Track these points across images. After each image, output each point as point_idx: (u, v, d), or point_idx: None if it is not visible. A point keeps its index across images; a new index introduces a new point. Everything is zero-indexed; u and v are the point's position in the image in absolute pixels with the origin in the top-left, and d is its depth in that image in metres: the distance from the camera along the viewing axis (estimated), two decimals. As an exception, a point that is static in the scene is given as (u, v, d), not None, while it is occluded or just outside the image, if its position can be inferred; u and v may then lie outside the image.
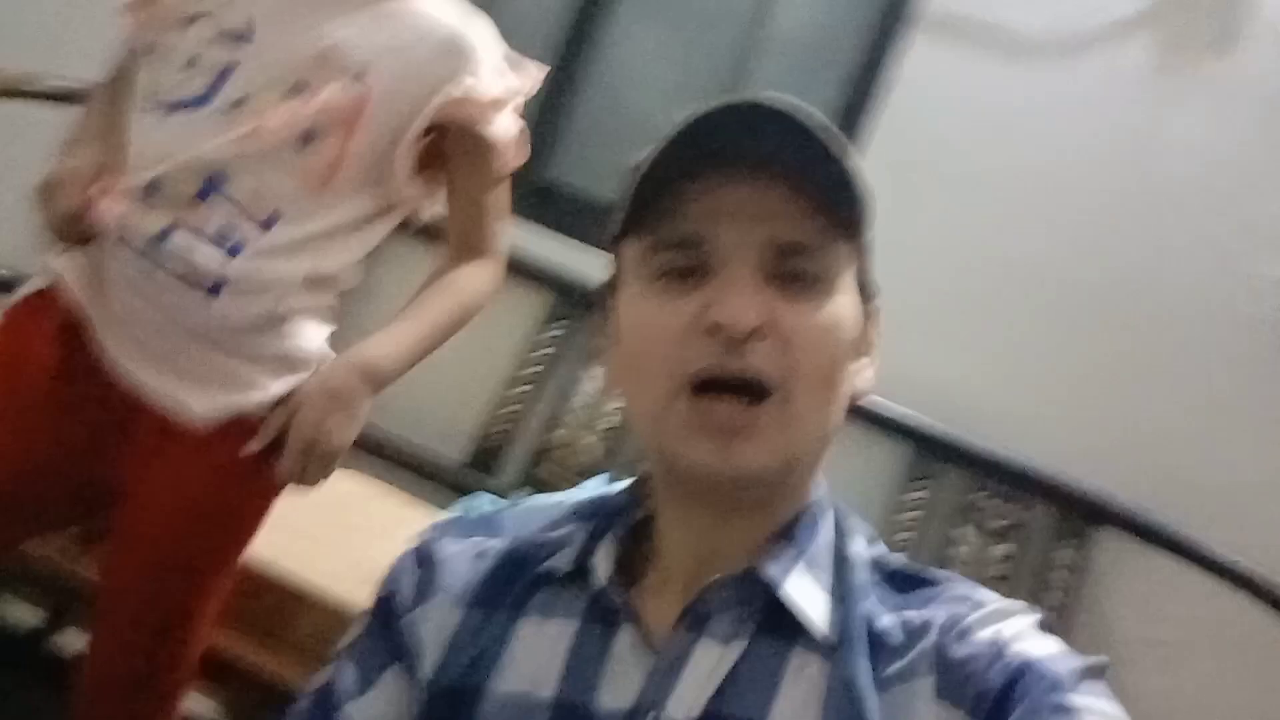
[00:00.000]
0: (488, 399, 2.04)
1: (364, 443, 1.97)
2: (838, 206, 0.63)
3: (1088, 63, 2.04)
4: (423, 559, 0.73)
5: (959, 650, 0.60)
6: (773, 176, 0.62)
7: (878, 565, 0.68)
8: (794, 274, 0.63)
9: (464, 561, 0.71)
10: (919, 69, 2.09)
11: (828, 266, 0.64)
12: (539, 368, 2.04)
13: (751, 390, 0.62)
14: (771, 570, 0.64)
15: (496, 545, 0.72)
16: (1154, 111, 2.01)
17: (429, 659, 0.68)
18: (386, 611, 0.71)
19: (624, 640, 0.65)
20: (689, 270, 0.63)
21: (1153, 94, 2.01)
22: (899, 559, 0.69)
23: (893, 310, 1.99)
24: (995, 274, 2.03)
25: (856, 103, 2.14)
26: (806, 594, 0.64)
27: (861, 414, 1.96)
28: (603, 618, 0.66)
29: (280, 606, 1.35)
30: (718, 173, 0.62)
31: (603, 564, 0.67)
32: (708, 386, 0.62)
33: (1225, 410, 1.93)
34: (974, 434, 1.95)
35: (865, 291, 0.68)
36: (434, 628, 0.69)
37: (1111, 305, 1.98)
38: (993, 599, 0.64)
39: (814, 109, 0.64)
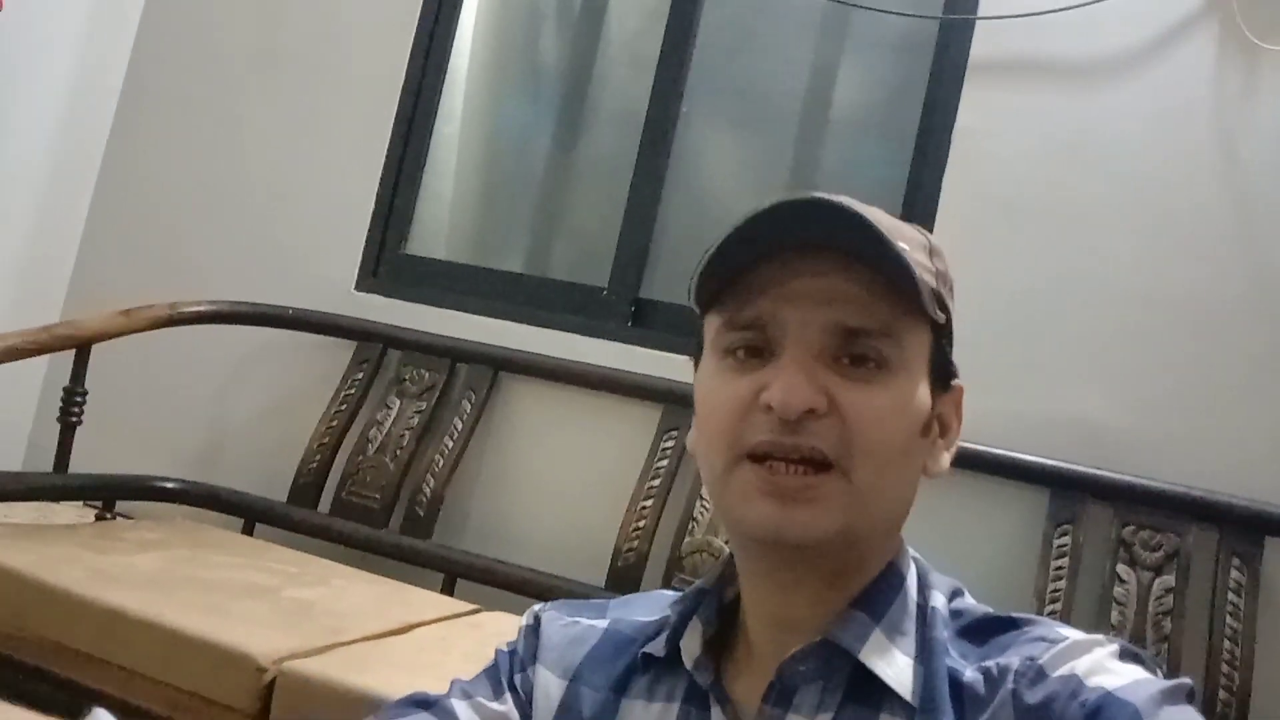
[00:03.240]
0: (618, 521, 2.09)
1: (506, 583, 2.08)
2: (900, 292, 0.65)
3: (1152, 70, 2.01)
4: (533, 630, 0.79)
5: (1035, 694, 0.60)
6: (836, 263, 0.65)
7: (957, 617, 0.68)
8: (856, 356, 0.65)
9: (565, 634, 0.77)
10: (982, 116, 2.10)
11: (892, 350, 0.65)
12: (656, 481, 2.09)
13: (811, 463, 0.64)
14: (846, 637, 0.65)
15: (598, 624, 0.77)
16: (1232, 110, 1.95)
17: None
18: (511, 661, 0.78)
19: None
20: (756, 350, 0.66)
21: (1227, 91, 1.96)
22: (980, 609, 0.69)
23: (1009, 357, 2.00)
24: (1106, 301, 1.98)
25: (925, 161, 2.16)
26: (887, 658, 0.65)
27: (991, 466, 1.93)
28: (699, 700, 0.69)
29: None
30: (786, 259, 0.65)
31: (689, 646, 0.70)
32: (767, 457, 0.64)
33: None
34: (1109, 468, 1.89)
35: (941, 372, 0.69)
36: (542, 694, 0.75)
37: (1230, 310, 1.90)
38: (1071, 635, 0.64)
39: (866, 206, 0.67)
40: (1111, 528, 1.85)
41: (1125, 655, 0.62)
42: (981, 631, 0.67)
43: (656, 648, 0.72)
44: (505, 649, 0.79)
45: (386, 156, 2.53)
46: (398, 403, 2.35)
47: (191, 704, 1.47)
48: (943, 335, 0.69)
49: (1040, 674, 0.61)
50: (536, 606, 0.81)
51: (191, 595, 1.69)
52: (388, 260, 2.54)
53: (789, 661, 0.66)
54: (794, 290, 0.65)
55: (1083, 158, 2.03)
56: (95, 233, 2.75)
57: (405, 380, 2.37)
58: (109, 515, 2.25)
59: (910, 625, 0.67)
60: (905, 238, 0.68)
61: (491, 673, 0.78)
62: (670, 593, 0.79)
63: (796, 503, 0.63)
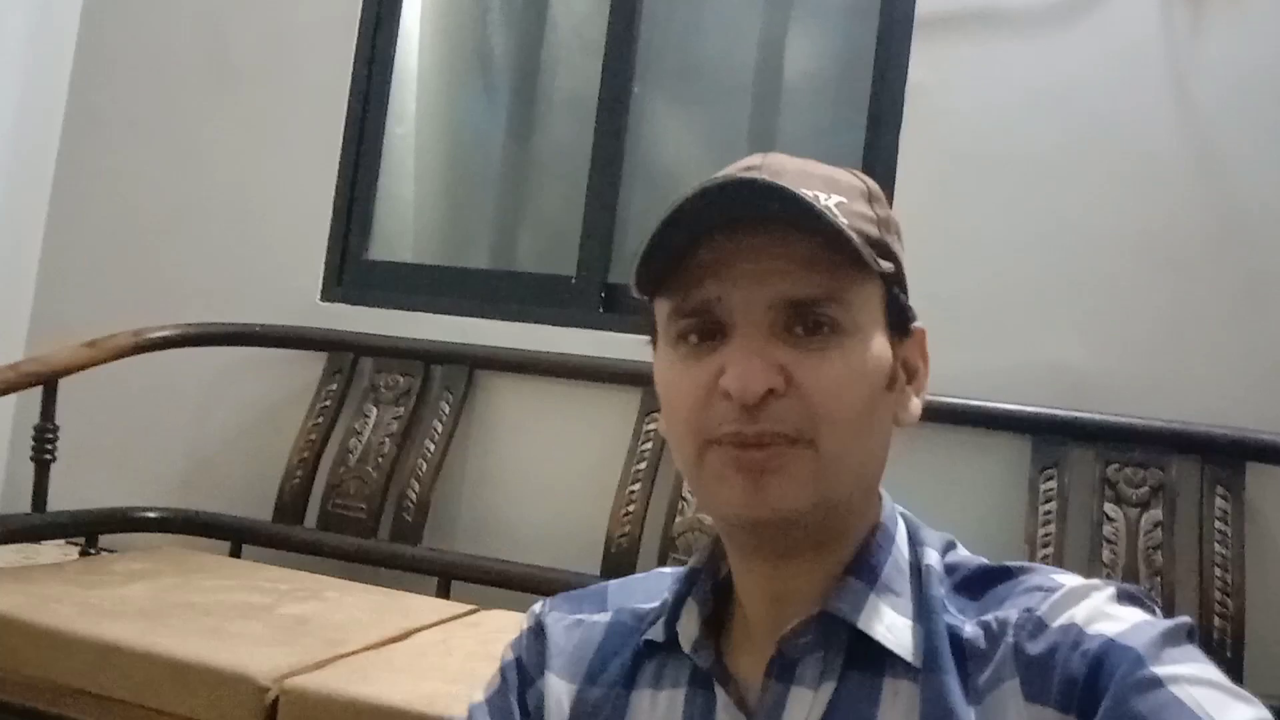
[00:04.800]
0: (607, 508, 2.08)
1: (501, 580, 2.07)
2: (839, 254, 0.63)
3: (1099, 13, 2.02)
4: (537, 633, 0.77)
5: (1036, 646, 0.60)
6: (772, 237, 0.64)
7: (952, 572, 0.68)
8: (807, 327, 0.64)
9: (571, 636, 0.75)
10: (933, 72, 2.11)
11: (841, 313, 0.64)
12: (642, 465, 2.09)
13: (773, 443, 0.63)
14: (844, 607, 0.65)
15: (601, 619, 0.76)
16: (1183, 46, 1.96)
17: None
18: (519, 675, 0.76)
19: (722, 702, 0.67)
20: (709, 333, 0.65)
21: (1176, 28, 1.97)
22: (974, 560, 0.69)
23: (981, 309, 2.00)
24: (1073, 246, 1.99)
25: (881, 122, 2.16)
26: (885, 621, 0.64)
27: (972, 418, 1.94)
28: (704, 683, 0.69)
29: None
30: (722, 239, 0.64)
31: (686, 629, 0.70)
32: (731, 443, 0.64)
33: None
34: (1088, 409, 1.90)
35: (899, 320, 0.68)
36: (553, 702, 0.73)
37: (1195, 245, 1.92)
38: (1067, 582, 0.63)
39: (799, 160, 0.67)
40: (1095, 468, 1.87)
41: (1123, 598, 0.62)
42: (977, 584, 0.66)
43: (656, 633, 0.71)
44: (511, 658, 0.77)
45: (340, 162, 2.50)
46: (375, 410, 2.33)
47: (195, 730, 1.46)
48: (895, 283, 0.68)
49: (1040, 625, 0.60)
50: (536, 606, 0.79)
51: (185, 621, 1.67)
52: (351, 267, 2.51)
53: (788, 635, 0.65)
54: (734, 270, 0.64)
55: (1038, 105, 2.04)
56: (52, 264, 2.71)
57: (380, 387, 2.35)
58: (93, 550, 2.22)
59: (905, 585, 0.67)
60: (841, 188, 0.67)
61: (499, 697, 0.76)
62: (670, 570, 0.78)
63: (767, 475, 0.63)
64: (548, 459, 2.25)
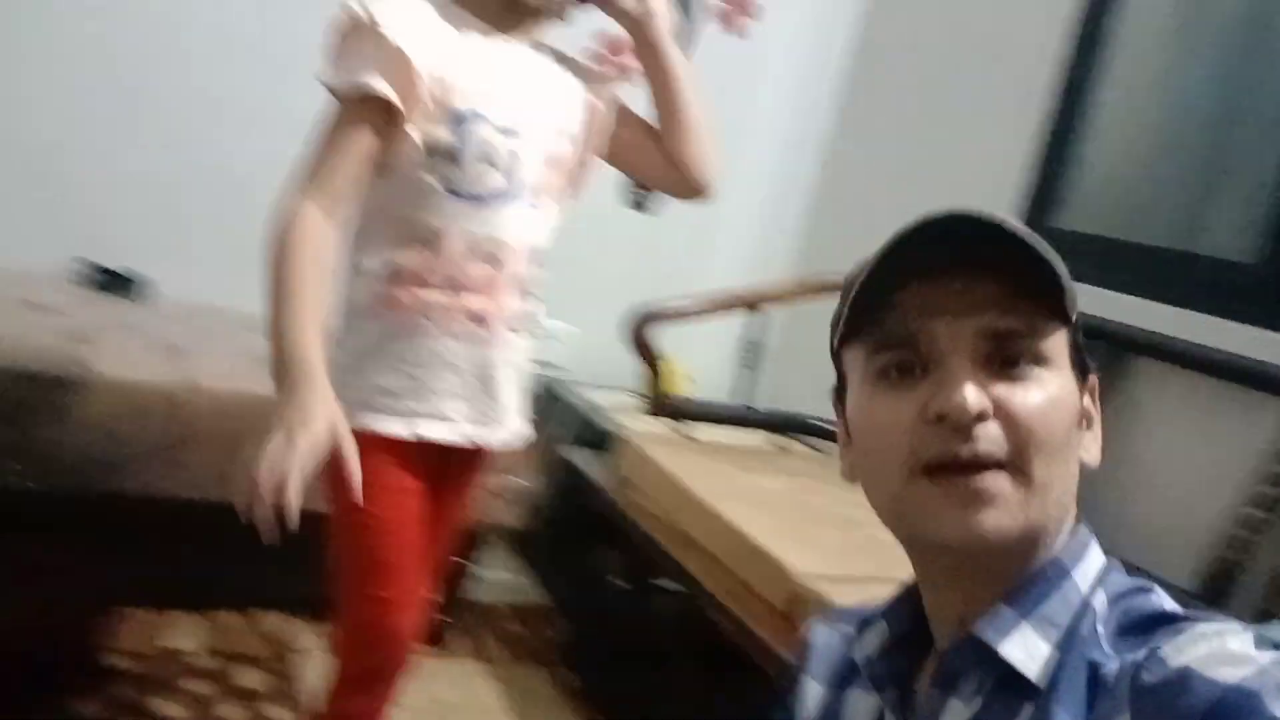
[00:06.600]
0: (1219, 521, 1.90)
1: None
2: (1043, 294, 0.68)
3: None
4: (805, 643, 0.88)
5: (1151, 681, 0.60)
6: (979, 274, 0.68)
7: (1126, 614, 0.67)
8: (1010, 359, 0.67)
9: (829, 645, 0.86)
10: None
11: (1042, 348, 0.68)
12: (1266, 488, 1.84)
13: (986, 467, 0.66)
14: (988, 632, 0.68)
15: (850, 630, 0.84)
16: None
17: None
18: (790, 679, 0.89)
19: (890, 705, 0.76)
20: (909, 367, 0.69)
21: None
22: (1151, 606, 0.67)
23: None
24: None
25: None
26: (1029, 650, 0.66)
27: (1218, 370, 1.82)
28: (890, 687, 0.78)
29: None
30: (928, 278, 0.68)
31: (867, 645, 0.79)
32: (941, 470, 0.67)
33: None
34: None
35: (1080, 368, 0.72)
36: (808, 702, 0.84)
37: None
38: (1209, 628, 0.62)
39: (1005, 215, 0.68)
40: None
41: (1261, 644, 0.59)
42: (1143, 628, 0.65)
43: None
44: (789, 666, 0.89)
45: (1045, 118, 2.54)
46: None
47: (742, 592, 1.86)
48: (1075, 329, 0.71)
49: (1159, 663, 0.60)
50: (809, 621, 0.90)
51: (782, 514, 2.06)
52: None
53: (950, 650, 0.71)
54: (939, 304, 0.68)
55: None
56: (823, 202, 3.19)
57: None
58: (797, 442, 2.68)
59: (1066, 617, 0.67)
60: (1038, 238, 0.68)
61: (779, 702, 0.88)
62: None
63: (980, 506, 0.65)
64: (1171, 455, 2.08)
